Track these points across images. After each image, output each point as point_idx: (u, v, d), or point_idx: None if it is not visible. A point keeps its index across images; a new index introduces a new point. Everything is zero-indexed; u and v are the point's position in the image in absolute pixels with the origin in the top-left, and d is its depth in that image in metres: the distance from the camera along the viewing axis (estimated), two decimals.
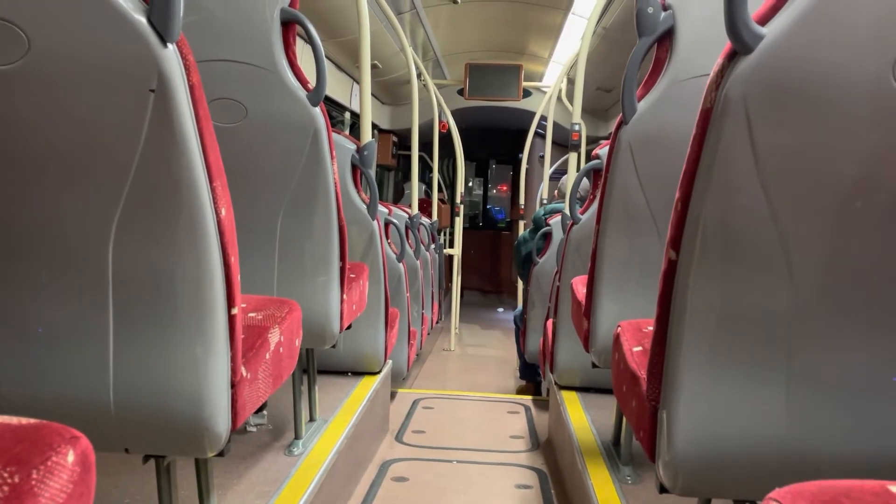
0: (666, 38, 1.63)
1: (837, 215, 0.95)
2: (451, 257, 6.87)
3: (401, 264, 3.45)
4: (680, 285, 1.03)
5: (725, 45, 0.93)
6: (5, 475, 0.62)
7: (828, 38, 0.88)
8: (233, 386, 1.16)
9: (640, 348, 1.36)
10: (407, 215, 3.99)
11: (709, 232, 0.98)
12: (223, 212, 1.09)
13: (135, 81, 0.97)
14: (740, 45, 0.90)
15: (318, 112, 1.78)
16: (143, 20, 0.95)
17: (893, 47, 0.87)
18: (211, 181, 1.06)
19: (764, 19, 0.90)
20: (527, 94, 7.20)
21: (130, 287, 1.08)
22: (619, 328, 1.51)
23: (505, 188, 10.81)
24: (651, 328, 1.15)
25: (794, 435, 1.02)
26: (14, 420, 0.71)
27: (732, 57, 0.92)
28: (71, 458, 0.68)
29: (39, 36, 0.95)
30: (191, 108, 1.01)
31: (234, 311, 1.13)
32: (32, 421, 0.71)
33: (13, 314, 1.10)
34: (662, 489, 1.11)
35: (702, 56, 1.59)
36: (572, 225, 2.59)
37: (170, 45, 0.97)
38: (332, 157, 1.83)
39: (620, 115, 1.72)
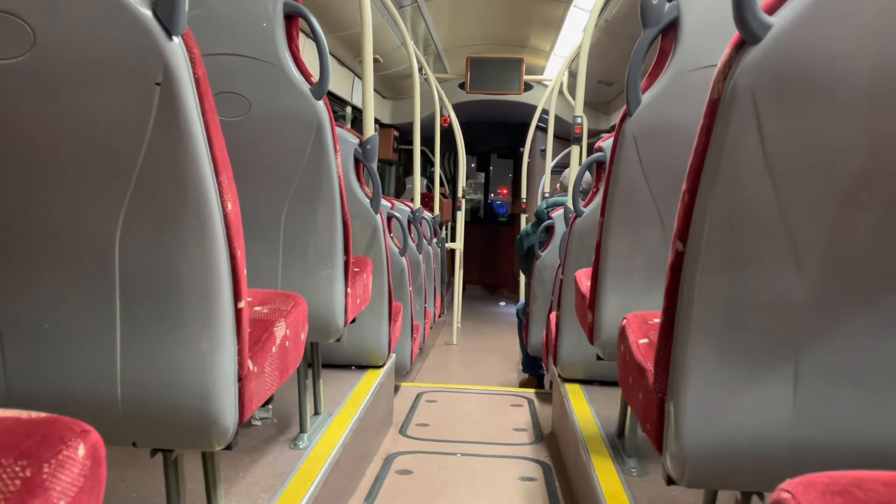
0: (670, 29, 1.62)
1: (845, 207, 0.95)
2: (452, 251, 6.87)
3: (403, 258, 3.45)
4: (687, 277, 1.03)
5: (731, 35, 0.93)
6: (17, 469, 0.62)
7: (836, 28, 0.87)
8: (240, 380, 1.16)
9: (646, 340, 1.36)
10: (409, 209, 3.99)
11: (716, 224, 0.98)
12: (229, 205, 1.08)
13: (140, 75, 0.96)
14: (748, 34, 0.89)
15: (321, 106, 1.77)
16: (148, 13, 0.94)
17: None
18: (217, 175, 1.06)
19: (772, 8, 0.89)
20: (528, 87, 7.18)
21: (137, 281, 1.08)
22: (625, 320, 1.51)
23: (505, 192, 10.80)
24: (657, 320, 1.15)
25: (802, 427, 1.02)
26: (24, 414, 0.71)
27: (740, 47, 0.92)
28: (81, 451, 0.69)
29: (45, 29, 0.94)
30: (196, 101, 1.01)
31: (241, 304, 1.13)
32: (43, 415, 0.71)
33: (21, 310, 1.10)
34: (670, 481, 1.11)
35: (707, 47, 1.58)
36: (575, 218, 2.58)
37: (175, 39, 0.97)
38: (335, 151, 1.83)
39: (624, 107, 1.71)
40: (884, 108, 0.89)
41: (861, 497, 0.62)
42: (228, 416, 1.14)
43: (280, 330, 1.37)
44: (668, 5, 1.58)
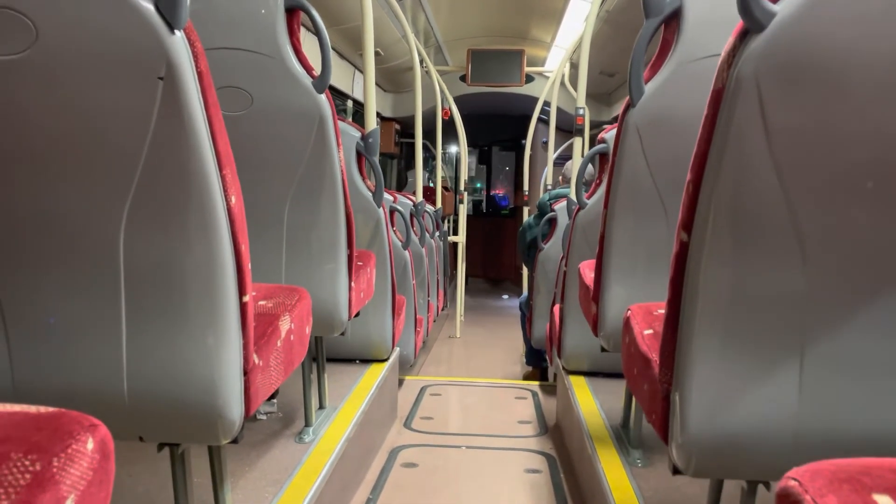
0: (673, 19, 1.62)
1: (851, 197, 0.94)
2: (455, 245, 6.87)
3: (406, 252, 3.45)
4: (692, 268, 1.03)
5: (734, 25, 0.93)
6: (27, 463, 0.63)
7: (841, 15, 0.87)
8: (245, 373, 1.16)
9: (650, 331, 1.36)
10: (412, 203, 3.99)
11: (721, 214, 0.98)
12: (233, 199, 1.09)
13: (143, 69, 0.96)
14: (752, 22, 0.89)
15: (323, 99, 1.77)
16: (150, 7, 0.94)
17: None
18: (221, 169, 1.05)
19: None
20: (529, 79, 7.16)
21: (142, 276, 1.08)
22: (630, 312, 1.51)
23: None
24: (661, 311, 1.15)
25: (808, 416, 1.02)
26: (33, 409, 0.71)
27: (744, 35, 0.91)
28: (90, 445, 0.69)
29: (47, 24, 0.94)
30: (199, 95, 1.01)
31: (246, 298, 1.13)
32: (51, 409, 0.71)
33: (26, 305, 1.10)
34: (676, 471, 1.11)
35: (709, 37, 1.57)
36: (578, 210, 2.58)
37: (178, 32, 0.97)
38: (338, 145, 1.83)
39: (627, 97, 1.71)
40: (889, 96, 0.89)
41: (868, 484, 0.62)
42: (235, 409, 1.14)
43: (285, 324, 1.38)
44: None
